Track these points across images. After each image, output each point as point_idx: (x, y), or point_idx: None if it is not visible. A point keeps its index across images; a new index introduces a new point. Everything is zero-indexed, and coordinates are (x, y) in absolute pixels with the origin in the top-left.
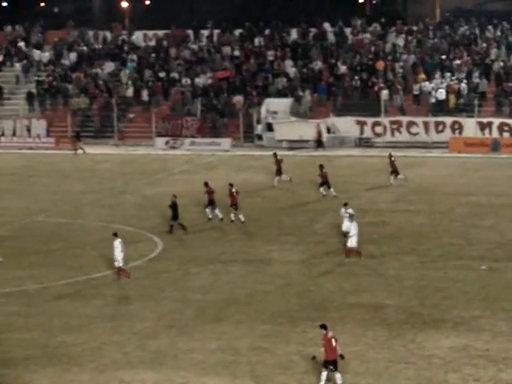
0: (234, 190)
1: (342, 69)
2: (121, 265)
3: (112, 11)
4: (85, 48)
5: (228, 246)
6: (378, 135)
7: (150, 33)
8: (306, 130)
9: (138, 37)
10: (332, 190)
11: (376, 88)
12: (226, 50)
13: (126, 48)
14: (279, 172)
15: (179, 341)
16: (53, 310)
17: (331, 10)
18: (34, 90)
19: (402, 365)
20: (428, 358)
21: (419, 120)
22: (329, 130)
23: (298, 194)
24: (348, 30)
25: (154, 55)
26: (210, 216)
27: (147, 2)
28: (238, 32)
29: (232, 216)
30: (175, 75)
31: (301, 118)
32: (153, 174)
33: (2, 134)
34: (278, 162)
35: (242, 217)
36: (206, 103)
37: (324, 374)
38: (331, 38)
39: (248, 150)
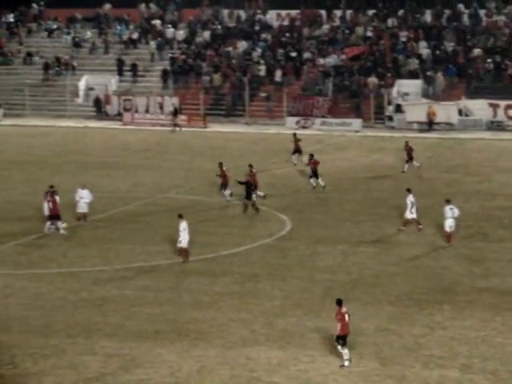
0: (225, 168)
1: (476, 51)
2: (185, 246)
3: None
4: (219, 27)
5: (356, 227)
6: (511, 118)
7: (283, 12)
8: (438, 112)
9: (271, 16)
10: (320, 179)
11: (510, 71)
12: (359, 30)
13: (258, 27)
14: (299, 152)
15: (306, 320)
16: (182, 285)
17: None
18: (167, 68)
19: None
20: None
21: None
22: (460, 113)
23: (428, 176)
24: (482, 12)
25: (287, 35)
26: (228, 198)
27: None
28: (371, 12)
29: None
30: (307, 55)
31: (432, 100)
32: (283, 153)
33: (136, 111)
34: (296, 142)
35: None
36: (337, 83)
37: (346, 352)
38: (465, 19)
39: (378, 131)
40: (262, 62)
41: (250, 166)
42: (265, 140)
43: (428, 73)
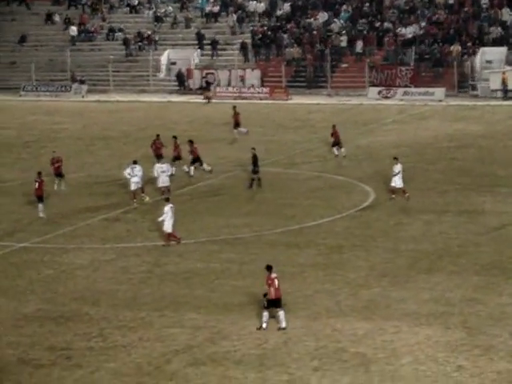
0: (178, 142)
1: None
2: (170, 231)
3: None
4: None
5: (440, 196)
6: None
7: None
8: None
9: None
10: (343, 150)
11: None
12: None
13: None
14: (237, 125)
15: (391, 291)
16: (267, 257)
17: None
18: (248, 41)
19: None
20: None
21: None
22: None
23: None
24: None
25: (367, 4)
26: (190, 171)
27: None
28: None
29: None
30: (389, 25)
31: None
32: (365, 123)
33: (218, 84)
34: (236, 115)
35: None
36: (419, 52)
37: (266, 314)
38: None
39: (462, 99)
40: (344, 32)
41: (190, 141)
42: (347, 111)
43: None
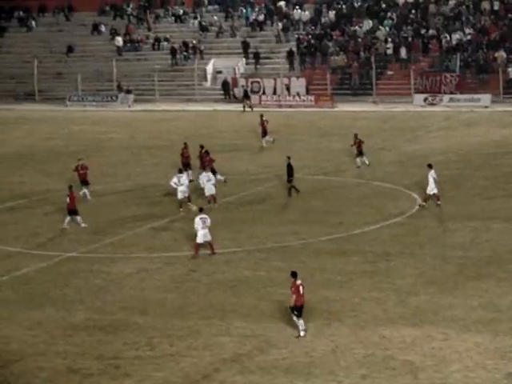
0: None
1: None
2: (198, 241)
3: None
4: (344, 6)
5: (488, 203)
6: None
7: None
8: None
9: None
10: (364, 158)
11: None
12: (485, 4)
13: (384, 5)
14: (264, 134)
15: (440, 298)
16: (314, 265)
17: None
18: (294, 49)
19: None
20: None
21: None
22: None
23: None
24: None
25: (413, 12)
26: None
27: None
28: None
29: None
30: (433, 31)
31: None
32: (411, 130)
33: (263, 93)
34: (263, 124)
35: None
36: (464, 59)
37: (301, 322)
38: None
39: (508, 105)
40: (389, 39)
41: (201, 146)
42: (393, 118)
43: None
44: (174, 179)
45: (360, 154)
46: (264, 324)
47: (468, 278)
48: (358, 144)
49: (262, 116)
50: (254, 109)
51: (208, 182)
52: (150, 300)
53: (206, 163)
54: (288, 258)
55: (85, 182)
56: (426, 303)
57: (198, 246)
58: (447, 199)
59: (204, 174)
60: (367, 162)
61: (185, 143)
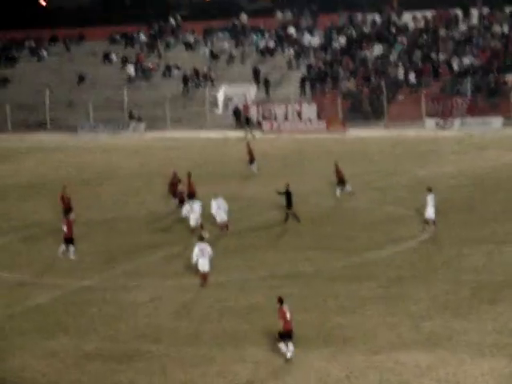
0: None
1: None
2: (199, 270)
3: None
4: (353, 31)
5: (501, 226)
6: None
7: (419, 14)
8: None
9: (406, 18)
10: (348, 186)
11: None
12: (496, 28)
13: (393, 30)
14: (252, 160)
15: (454, 322)
16: (327, 291)
17: None
18: (305, 75)
19: None
20: None
21: None
22: None
23: None
24: None
25: (424, 36)
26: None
27: None
28: (508, 10)
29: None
30: (444, 56)
31: None
32: (423, 154)
33: (275, 119)
34: (250, 151)
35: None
36: (475, 82)
37: (283, 345)
38: None
39: None
40: (400, 64)
41: (188, 174)
42: (404, 142)
43: None
44: (187, 206)
45: (341, 182)
46: (278, 350)
47: (482, 302)
48: (339, 172)
49: (248, 143)
50: (268, 135)
51: (219, 210)
52: (163, 328)
53: (188, 188)
54: (302, 285)
55: (68, 210)
56: (440, 328)
57: (203, 274)
58: (459, 223)
59: (214, 201)
60: (349, 190)
61: (174, 172)
